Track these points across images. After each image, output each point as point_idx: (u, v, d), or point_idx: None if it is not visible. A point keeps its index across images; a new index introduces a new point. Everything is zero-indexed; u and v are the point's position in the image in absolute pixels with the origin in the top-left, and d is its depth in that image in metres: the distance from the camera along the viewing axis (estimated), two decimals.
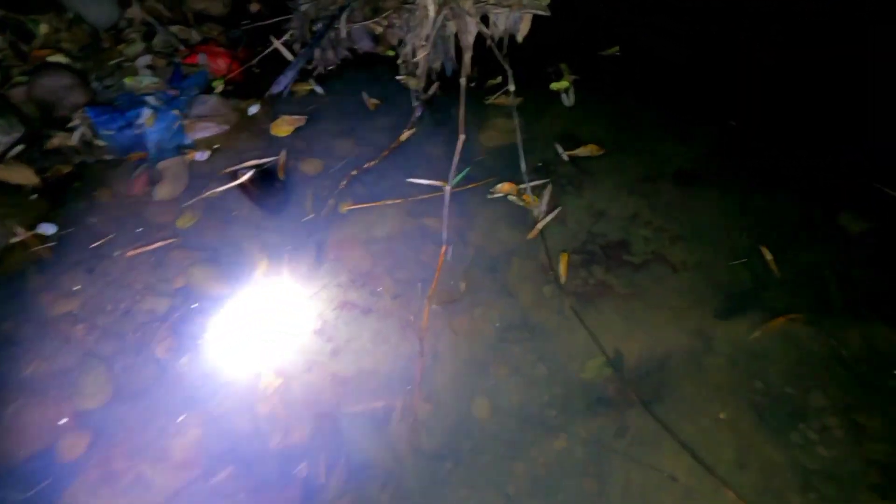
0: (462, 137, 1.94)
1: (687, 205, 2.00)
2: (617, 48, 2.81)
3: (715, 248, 1.85)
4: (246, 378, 1.69)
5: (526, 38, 2.52)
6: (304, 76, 2.80)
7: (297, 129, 2.51)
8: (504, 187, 2.10)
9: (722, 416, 1.45)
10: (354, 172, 2.27)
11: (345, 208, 2.15)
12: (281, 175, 2.28)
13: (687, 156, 2.19)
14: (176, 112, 2.47)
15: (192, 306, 1.84)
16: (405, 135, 2.38)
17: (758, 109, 2.36)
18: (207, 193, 2.21)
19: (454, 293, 1.82)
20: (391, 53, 2.80)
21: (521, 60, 2.57)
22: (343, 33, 2.65)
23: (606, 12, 3.09)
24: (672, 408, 1.49)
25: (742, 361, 1.57)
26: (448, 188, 1.86)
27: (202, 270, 1.96)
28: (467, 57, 2.51)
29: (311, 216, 2.13)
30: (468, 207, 2.12)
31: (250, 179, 2.25)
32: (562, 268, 1.84)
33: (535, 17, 2.47)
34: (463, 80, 2.18)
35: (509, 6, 2.38)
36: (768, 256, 1.78)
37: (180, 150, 2.40)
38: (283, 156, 2.33)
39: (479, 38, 2.46)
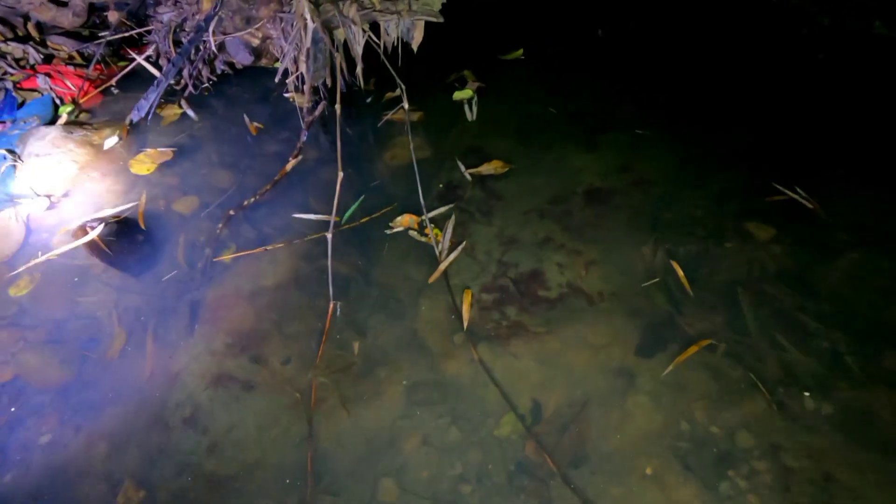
0: (340, 175, 1.69)
1: (599, 224, 1.87)
2: (521, 51, 2.65)
3: (630, 271, 1.73)
4: (98, 494, 1.37)
5: (423, 46, 2.29)
6: (172, 97, 2.42)
7: (165, 164, 2.14)
8: (403, 220, 1.87)
9: (649, 471, 1.32)
10: (233, 212, 1.95)
11: (226, 256, 1.84)
12: (142, 224, 1.92)
13: (596, 169, 2.06)
14: (3, 152, 2.04)
15: (12, 410, 1.48)
16: (290, 163, 2.09)
17: (666, 113, 2.28)
18: (48, 254, 1.82)
19: (348, 357, 1.58)
20: (278, 65, 2.49)
21: (422, 70, 2.35)
22: (213, 46, 2.30)
23: (507, 14, 2.93)
24: (597, 468, 1.35)
25: (666, 399, 1.45)
26: (329, 235, 1.61)
27: (37, 355, 1.59)
28: (359, 69, 2.25)
29: (184, 270, 1.81)
30: (369, 242, 1.88)
31: (104, 232, 1.88)
32: (465, 311, 1.65)
33: (432, 24, 2.24)
34: (338, 107, 1.92)
35: (398, 13, 2.14)
36: (680, 273, 1.68)
37: (12, 199, 1.97)
38: (143, 200, 1.97)
39: (373, 48, 2.21)
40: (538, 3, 3.18)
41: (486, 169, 2.06)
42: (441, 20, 2.19)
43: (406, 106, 2.02)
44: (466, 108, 2.35)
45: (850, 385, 1.44)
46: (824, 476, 1.29)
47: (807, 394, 1.42)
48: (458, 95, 2.40)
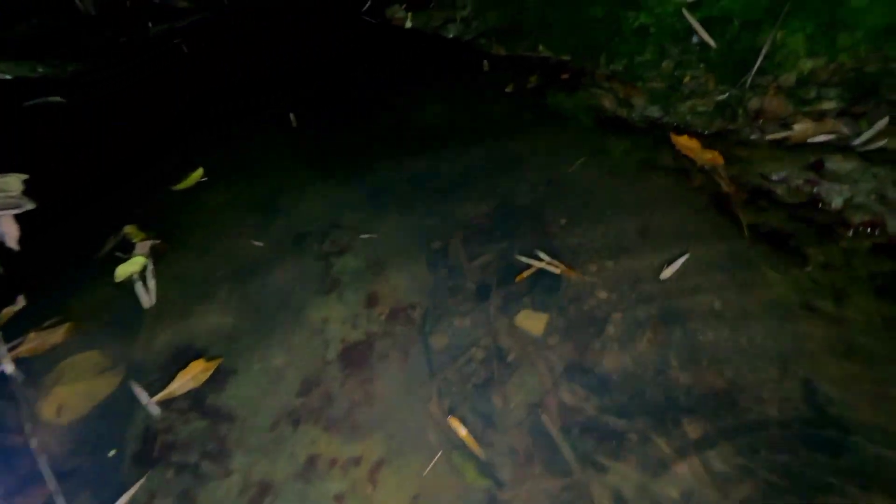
0: None
1: (370, 395, 1.46)
2: (200, 171, 2.04)
3: (425, 448, 1.37)
4: None
5: (28, 237, 1.51)
6: None
7: None
8: None
9: None
10: None
11: None
12: None
13: (342, 314, 1.64)
14: None
15: None
16: None
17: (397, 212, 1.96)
18: None
19: None
20: None
21: (48, 259, 1.57)
22: None
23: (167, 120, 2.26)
24: None
25: None
26: None
27: None
28: None
29: None
30: None
31: None
32: None
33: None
34: None
35: None
36: (464, 434, 1.39)
37: None
38: None
39: None
40: (208, 95, 2.57)
41: (186, 383, 1.45)
42: (31, 205, 1.45)
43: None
44: (139, 288, 1.66)
45: None
46: None
47: None
48: (121, 273, 1.69)
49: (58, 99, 2.52)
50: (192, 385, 1.44)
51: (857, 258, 1.59)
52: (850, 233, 1.64)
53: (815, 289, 1.53)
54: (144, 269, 1.70)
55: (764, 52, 1.87)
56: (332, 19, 3.22)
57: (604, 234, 1.80)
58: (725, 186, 1.84)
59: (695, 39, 2.01)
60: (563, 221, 1.85)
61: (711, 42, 1.96)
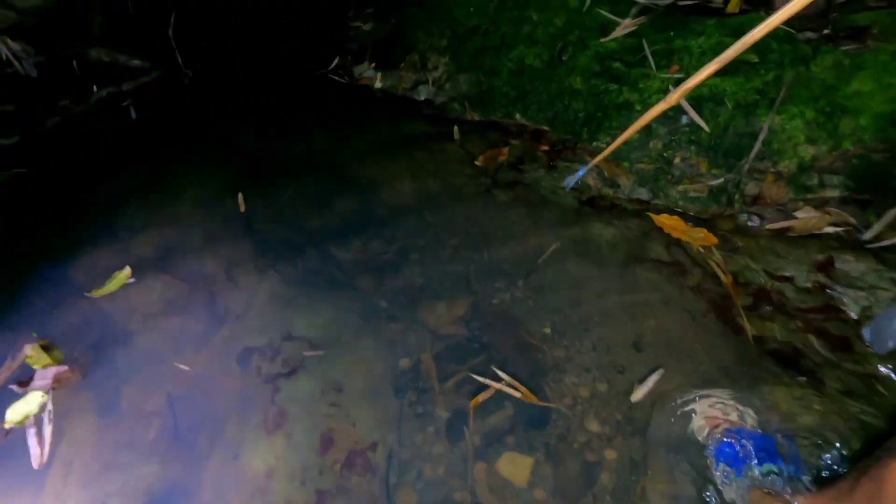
0: None
1: None
2: (128, 271, 1.76)
3: None
4: None
5: None
6: None
7: None
8: None
9: None
10: None
11: None
12: None
13: (287, 469, 1.36)
14: None
15: None
16: None
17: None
18: None
19: None
20: None
21: None
22: None
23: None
24: None
25: None
26: None
27: None
28: None
29: None
30: None
31: None
32: None
33: None
34: None
35: None
36: None
37: None
38: None
39: None
40: (149, 166, 2.32)
41: None
42: None
43: None
44: (32, 439, 1.35)
45: None
46: None
47: None
48: (12, 417, 1.38)
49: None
50: None
51: (882, 383, 1.38)
52: (872, 349, 1.44)
53: (834, 422, 1.31)
54: (43, 408, 1.40)
55: (761, 138, 1.71)
56: (296, 78, 3.02)
57: (593, 347, 1.57)
58: (726, 285, 1.64)
59: (684, 119, 1.85)
60: (546, 330, 1.62)
61: (704, 125, 1.79)
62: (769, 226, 1.77)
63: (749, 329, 1.53)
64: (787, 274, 1.64)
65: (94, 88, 2.77)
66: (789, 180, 1.74)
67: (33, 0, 2.67)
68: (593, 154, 2.05)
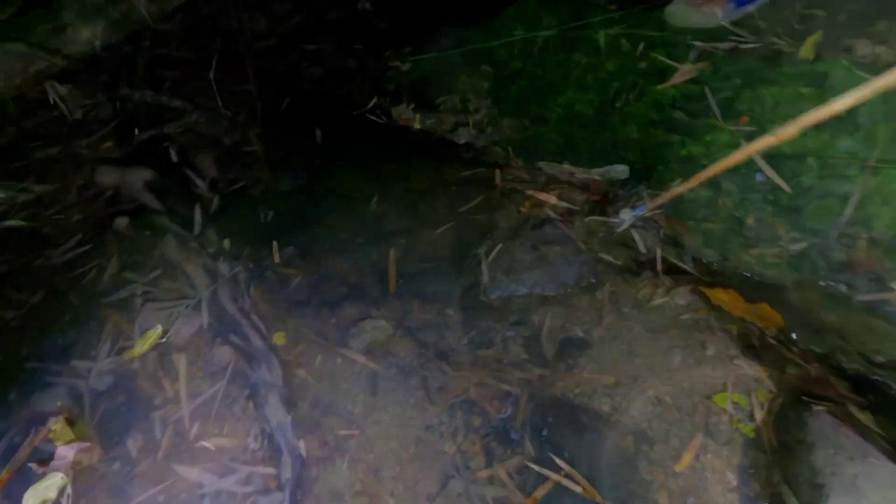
0: None
1: None
2: (161, 331, 1.68)
3: None
4: None
5: None
6: None
7: None
8: None
9: None
10: None
11: None
12: None
13: None
14: None
15: None
16: None
17: None
18: None
19: None
20: None
21: None
22: None
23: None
24: None
25: None
26: None
27: None
28: None
29: None
30: None
31: None
32: None
33: None
34: None
35: None
36: None
37: None
38: None
39: None
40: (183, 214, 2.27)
41: None
42: None
43: None
44: None
45: None
46: None
47: None
48: (30, 502, 1.28)
49: (20, 223, 2.23)
50: None
51: None
52: None
53: None
54: (62, 492, 1.29)
55: (853, 203, 1.52)
56: (334, 119, 2.97)
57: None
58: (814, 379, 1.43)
59: (759, 177, 1.67)
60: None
61: (784, 185, 1.61)
62: (861, 297, 1.56)
63: None
64: (888, 359, 1.42)
65: (136, 131, 2.79)
66: (886, 249, 1.53)
67: (82, 47, 2.72)
68: (651, 211, 1.88)
